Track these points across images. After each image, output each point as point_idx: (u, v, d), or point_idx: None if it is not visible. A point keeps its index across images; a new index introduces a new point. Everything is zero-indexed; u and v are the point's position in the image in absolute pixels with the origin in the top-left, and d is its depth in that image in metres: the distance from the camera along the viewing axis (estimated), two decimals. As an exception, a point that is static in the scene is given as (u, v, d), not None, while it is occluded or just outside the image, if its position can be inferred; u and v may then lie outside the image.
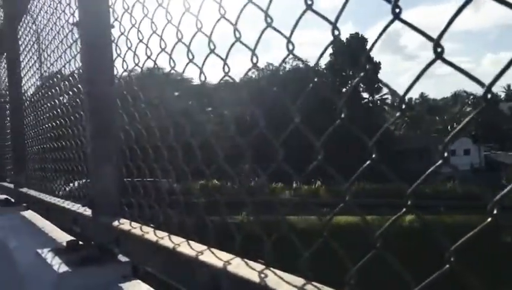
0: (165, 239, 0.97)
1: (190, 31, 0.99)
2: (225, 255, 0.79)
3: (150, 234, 1.05)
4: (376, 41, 0.54)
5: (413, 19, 0.50)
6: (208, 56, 0.88)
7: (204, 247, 0.86)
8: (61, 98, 2.18)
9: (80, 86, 1.82)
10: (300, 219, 14.90)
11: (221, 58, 0.84)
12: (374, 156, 0.53)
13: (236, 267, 0.71)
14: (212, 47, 0.87)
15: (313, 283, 0.60)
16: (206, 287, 0.74)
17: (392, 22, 0.50)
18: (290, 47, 0.67)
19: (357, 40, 35.03)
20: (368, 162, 0.54)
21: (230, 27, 0.81)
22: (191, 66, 1.02)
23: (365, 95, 36.77)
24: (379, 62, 36.50)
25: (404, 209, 0.50)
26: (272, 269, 0.69)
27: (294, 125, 0.66)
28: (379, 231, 0.53)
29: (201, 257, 0.79)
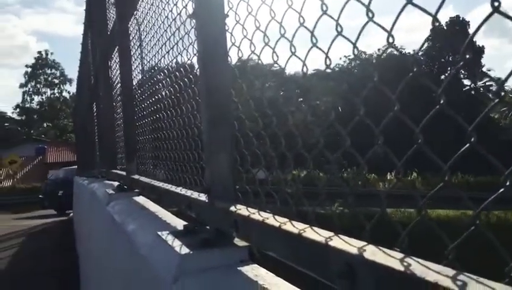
0: (287, 224, 0.97)
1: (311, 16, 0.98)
2: (356, 242, 0.77)
3: (271, 219, 1.05)
4: None
5: None
6: (335, 38, 0.86)
7: (331, 233, 0.85)
8: (171, 88, 2.27)
9: (191, 76, 1.89)
10: (395, 211, 14.54)
11: (351, 42, 0.82)
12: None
13: (373, 255, 0.69)
14: (339, 30, 0.84)
15: (465, 273, 0.57)
16: (339, 274, 0.73)
17: None
18: (436, 23, 0.63)
19: (458, 24, 32.97)
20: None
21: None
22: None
23: (467, 82, 34.58)
24: (482, 46, 34.09)
25: None
26: (412, 257, 0.66)
27: (437, 111, 0.62)
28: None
29: (331, 243, 0.78)
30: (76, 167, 27.31)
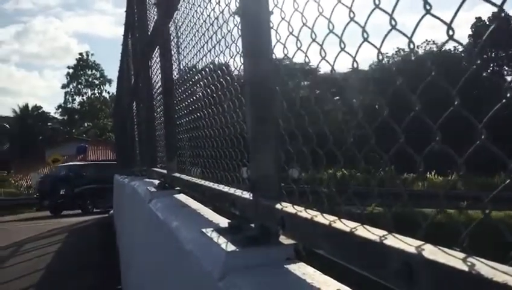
0: (337, 223, 0.96)
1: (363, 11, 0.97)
2: (412, 241, 0.75)
3: (319, 217, 1.04)
4: None
5: None
6: (389, 32, 0.84)
7: (385, 231, 0.83)
8: (213, 87, 2.28)
9: (234, 75, 1.90)
10: (435, 212, 14.21)
11: (406, 36, 0.80)
12: None
13: (432, 254, 0.67)
14: (393, 23, 0.83)
15: (537, 275, 0.54)
16: (396, 273, 0.71)
17: None
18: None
19: (501, 19, 31.88)
20: None
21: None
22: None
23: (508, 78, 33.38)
24: (528, 41, 32.80)
25: None
26: (475, 257, 0.63)
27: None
28: None
29: (387, 242, 0.76)
30: (79, 163, 25.42)
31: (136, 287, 3.71)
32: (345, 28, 1.01)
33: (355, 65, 0.99)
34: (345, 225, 0.94)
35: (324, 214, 1.06)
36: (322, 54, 1.12)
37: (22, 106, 53.69)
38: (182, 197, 2.90)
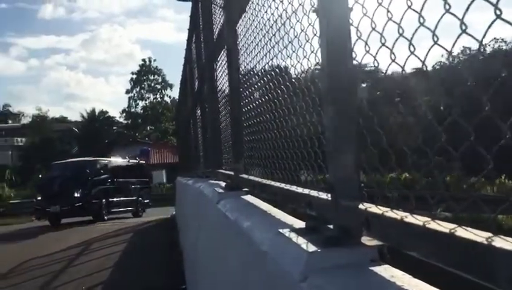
0: (432, 223, 0.92)
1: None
2: (523, 244, 0.70)
3: (410, 217, 1.00)
4: None
5: None
6: (494, 21, 0.79)
7: (488, 233, 0.78)
8: (283, 87, 2.28)
9: (307, 74, 1.88)
10: (506, 218, 13.65)
11: (510, 23, 0.75)
12: None
13: (554, 257, 0.62)
14: (498, 13, 0.78)
15: None
16: (510, 278, 0.67)
17: None
18: None
19: None
20: None
21: None
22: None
23: None
24: None
25: None
26: None
27: None
28: None
29: (495, 244, 0.72)
30: (87, 158, 20.46)
31: (204, 287, 3.76)
32: (439, 21, 0.96)
33: (450, 59, 0.94)
34: (440, 225, 0.89)
35: (414, 215, 1.02)
36: (411, 48, 1.07)
37: (90, 110, 56.56)
38: (250, 198, 2.91)
